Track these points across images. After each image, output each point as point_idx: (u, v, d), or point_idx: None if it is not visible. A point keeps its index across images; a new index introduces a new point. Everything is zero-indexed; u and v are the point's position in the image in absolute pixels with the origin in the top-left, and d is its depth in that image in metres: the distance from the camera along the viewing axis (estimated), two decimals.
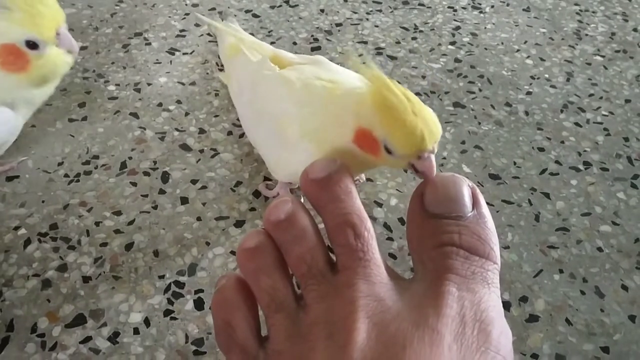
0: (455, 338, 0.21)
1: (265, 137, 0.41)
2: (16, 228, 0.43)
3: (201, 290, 0.40)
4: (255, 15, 0.67)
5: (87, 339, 0.37)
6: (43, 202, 0.45)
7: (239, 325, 0.24)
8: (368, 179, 0.49)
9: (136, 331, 0.38)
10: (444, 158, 0.51)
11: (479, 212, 0.23)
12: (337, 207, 0.24)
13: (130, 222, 0.44)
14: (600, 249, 0.45)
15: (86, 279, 0.41)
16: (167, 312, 0.39)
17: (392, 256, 0.43)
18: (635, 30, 0.68)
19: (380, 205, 0.47)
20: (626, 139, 0.54)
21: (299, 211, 0.25)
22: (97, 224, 0.44)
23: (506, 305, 0.40)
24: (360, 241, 0.24)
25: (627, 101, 0.58)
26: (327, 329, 0.22)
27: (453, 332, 0.21)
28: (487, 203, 0.46)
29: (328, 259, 0.24)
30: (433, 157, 0.31)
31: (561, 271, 0.43)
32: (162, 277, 0.41)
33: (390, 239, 0.44)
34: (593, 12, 0.71)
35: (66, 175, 0.48)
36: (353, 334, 0.21)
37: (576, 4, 0.72)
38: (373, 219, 0.46)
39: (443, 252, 0.23)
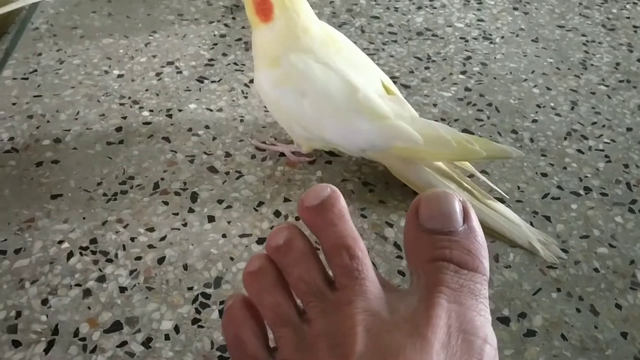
0: (443, 346, 0.23)
1: None
2: (60, 242, 0.48)
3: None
4: None
5: (123, 343, 0.42)
6: (84, 218, 0.50)
7: (249, 339, 0.27)
8: (380, 201, 0.52)
9: (167, 337, 0.42)
10: None
11: (470, 226, 0.25)
12: (332, 231, 0.27)
13: (162, 238, 0.49)
14: (596, 270, 0.48)
15: (122, 290, 0.45)
16: (194, 321, 0.43)
17: (401, 273, 0.47)
18: (639, 60, 0.71)
19: (391, 225, 0.51)
20: (626, 166, 0.57)
21: (296, 236, 0.28)
22: (132, 239, 0.49)
23: (505, 321, 0.44)
24: (355, 261, 0.26)
25: (629, 129, 0.61)
26: (330, 340, 0.25)
27: (440, 340, 0.23)
28: None
29: (326, 278, 0.27)
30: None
31: (559, 290, 0.46)
32: (190, 288, 0.45)
33: (399, 257, 0.48)
34: (599, 42, 0.74)
35: (104, 194, 0.52)
36: (354, 345, 0.24)
37: (583, 35, 0.76)
38: (384, 238, 0.49)
39: (435, 266, 0.25)
